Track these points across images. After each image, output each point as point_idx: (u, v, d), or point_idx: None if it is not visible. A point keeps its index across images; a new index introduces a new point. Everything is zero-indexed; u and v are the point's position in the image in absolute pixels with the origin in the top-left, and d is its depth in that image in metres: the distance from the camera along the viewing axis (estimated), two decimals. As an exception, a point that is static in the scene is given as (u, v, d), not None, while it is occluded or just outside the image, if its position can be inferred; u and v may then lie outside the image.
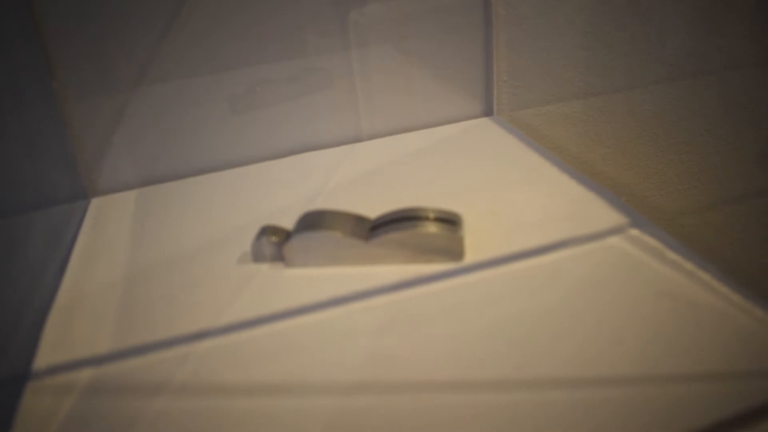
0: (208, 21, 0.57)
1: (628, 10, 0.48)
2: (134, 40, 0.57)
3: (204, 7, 0.57)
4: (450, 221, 0.44)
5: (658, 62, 0.46)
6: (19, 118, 0.54)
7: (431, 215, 0.44)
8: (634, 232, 0.46)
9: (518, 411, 0.32)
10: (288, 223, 0.48)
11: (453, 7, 0.62)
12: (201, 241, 0.51)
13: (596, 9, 0.52)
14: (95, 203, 0.61)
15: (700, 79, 0.43)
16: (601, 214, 0.48)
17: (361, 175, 0.59)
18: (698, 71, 0.43)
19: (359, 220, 0.45)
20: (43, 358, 0.41)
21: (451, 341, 0.38)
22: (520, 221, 0.49)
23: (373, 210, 0.47)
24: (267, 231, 0.46)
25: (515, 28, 0.62)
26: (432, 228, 0.43)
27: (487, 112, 0.67)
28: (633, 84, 0.50)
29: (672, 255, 0.43)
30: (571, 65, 0.57)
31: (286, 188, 0.58)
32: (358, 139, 0.65)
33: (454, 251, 0.44)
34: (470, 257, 0.44)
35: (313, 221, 0.45)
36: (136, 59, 0.58)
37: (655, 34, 0.46)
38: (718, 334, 0.36)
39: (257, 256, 0.46)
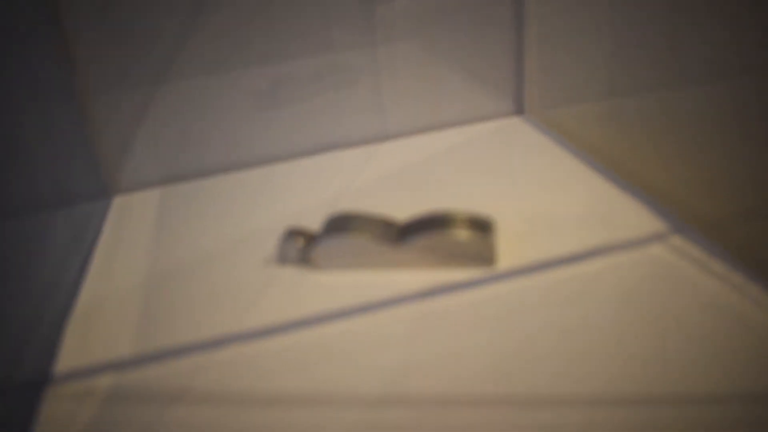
0: (231, 17, 0.56)
1: (666, 6, 0.46)
2: (156, 37, 0.56)
3: (230, 3, 0.55)
4: (481, 226, 0.42)
5: (699, 60, 0.44)
6: (41, 116, 0.53)
7: (462, 219, 0.42)
8: (676, 239, 0.44)
9: (555, 430, 0.31)
10: (313, 224, 0.46)
11: (483, 1, 0.60)
12: (225, 242, 0.50)
13: (632, 6, 0.50)
14: (117, 201, 0.60)
15: (744, 78, 0.40)
16: (640, 219, 0.46)
17: (388, 176, 0.57)
18: (742, 69, 0.40)
19: (387, 223, 0.44)
20: (64, 363, 0.40)
21: (483, 353, 0.36)
22: (554, 226, 0.47)
23: (400, 212, 0.45)
24: (293, 233, 0.45)
25: (548, 23, 0.60)
26: (463, 233, 0.41)
27: (518, 111, 0.65)
28: (672, 82, 0.47)
29: (717, 266, 0.41)
30: (606, 62, 0.55)
31: (311, 188, 0.57)
32: (384, 138, 0.63)
33: (486, 257, 0.42)
34: (502, 263, 0.43)
35: (340, 224, 0.44)
36: (158, 56, 0.57)
37: (695, 30, 0.44)
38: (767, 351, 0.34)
39: (283, 259, 0.45)
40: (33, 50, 0.54)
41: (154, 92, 0.58)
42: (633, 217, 0.47)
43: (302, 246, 0.44)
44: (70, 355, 0.41)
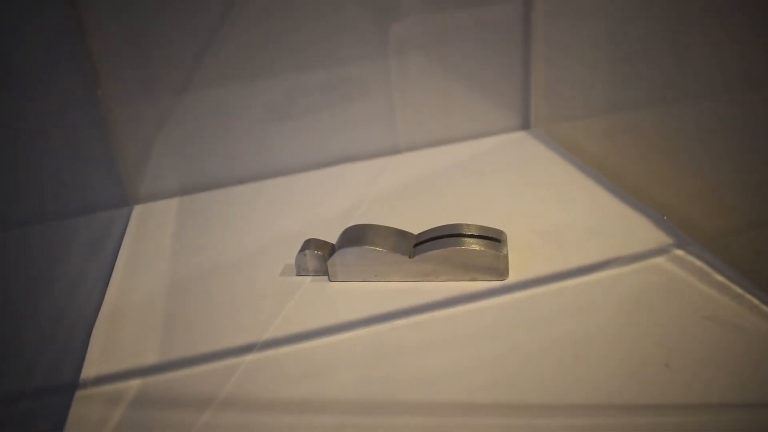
0: (251, 30, 0.58)
1: (671, 22, 0.47)
2: (178, 49, 0.58)
3: (248, 16, 0.57)
4: (494, 239, 0.44)
5: (702, 74, 0.46)
6: (64, 124, 0.55)
7: (475, 232, 0.44)
8: (679, 252, 0.45)
9: (568, 435, 0.32)
10: (328, 235, 0.48)
11: (492, 21, 0.62)
12: (243, 252, 0.52)
13: (638, 22, 0.52)
14: (138, 210, 0.62)
15: (748, 93, 0.42)
16: (645, 232, 0.48)
17: (400, 188, 0.59)
18: (746, 84, 0.42)
19: (402, 235, 0.46)
20: (91, 368, 0.42)
21: (497, 362, 0.38)
22: (562, 239, 0.48)
23: (413, 224, 0.47)
24: (311, 244, 0.47)
25: (554, 42, 0.62)
26: (476, 245, 0.43)
27: (525, 126, 0.67)
28: (674, 97, 0.49)
29: (719, 277, 0.42)
30: (610, 78, 0.57)
31: (326, 199, 0.58)
32: (395, 151, 0.65)
33: (499, 269, 0.44)
34: (513, 275, 0.44)
35: (356, 236, 0.45)
36: (179, 67, 0.58)
37: (698, 45, 0.46)
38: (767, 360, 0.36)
39: (301, 269, 0.47)
40: (58, 60, 0.55)
41: (174, 103, 0.59)
42: (637, 230, 0.49)
43: (319, 257, 0.46)
44: (97, 361, 0.42)
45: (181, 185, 0.63)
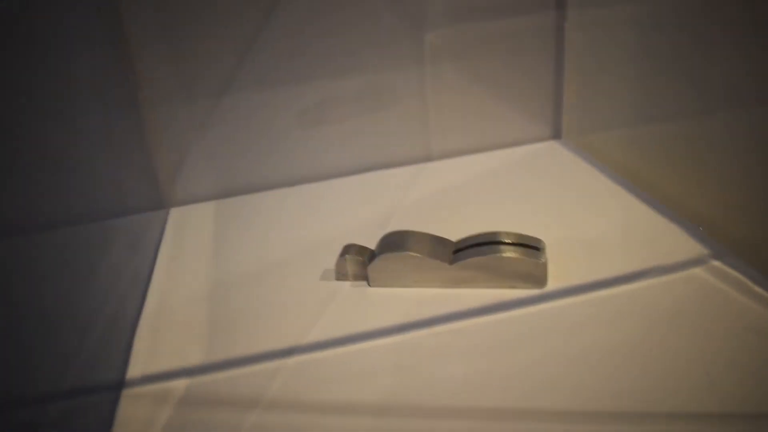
0: (289, 36, 0.59)
1: (704, 33, 0.48)
2: (216, 54, 0.59)
3: (286, 22, 0.58)
4: (533, 247, 0.45)
5: (736, 85, 0.46)
6: (103, 126, 0.56)
7: (514, 240, 0.45)
8: (716, 263, 0.46)
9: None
10: (364, 240, 0.49)
11: (525, 31, 0.62)
12: (281, 256, 0.53)
13: (668, 33, 0.52)
14: (174, 213, 0.63)
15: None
16: (681, 243, 0.48)
17: (435, 195, 0.60)
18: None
19: (441, 242, 0.46)
20: (137, 367, 0.43)
21: (536, 370, 0.38)
22: (598, 248, 0.49)
23: (448, 231, 0.48)
24: (351, 250, 0.47)
25: (585, 53, 0.63)
26: (516, 253, 0.44)
27: (556, 135, 0.68)
28: (707, 108, 0.50)
29: (757, 288, 0.43)
30: (641, 89, 0.57)
31: (361, 205, 0.59)
32: (428, 159, 0.66)
33: (538, 277, 0.44)
34: (552, 284, 0.45)
35: (396, 242, 0.46)
36: (216, 72, 0.59)
37: (729, 57, 0.46)
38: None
39: (340, 274, 0.48)
40: (98, 62, 0.57)
41: (211, 107, 0.60)
42: (672, 240, 0.49)
43: (359, 262, 0.47)
44: (142, 360, 0.43)
45: (217, 189, 0.64)
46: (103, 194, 0.56)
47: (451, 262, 0.45)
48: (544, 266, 0.44)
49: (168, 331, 0.46)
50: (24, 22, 0.44)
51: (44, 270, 0.43)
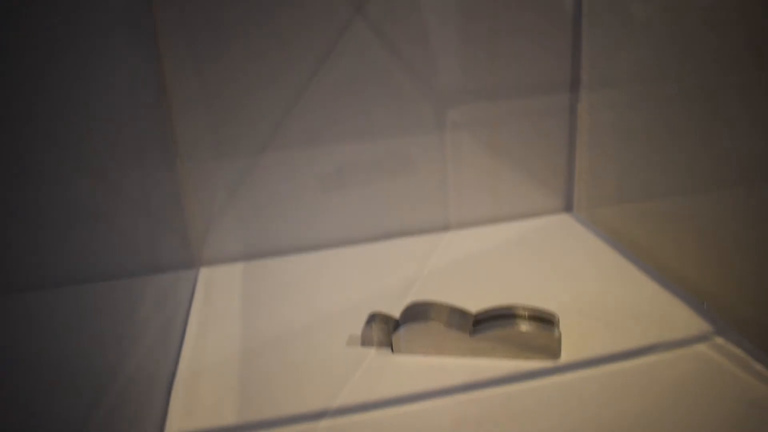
0: (321, 104, 0.63)
1: (707, 113, 0.52)
2: (250, 119, 0.63)
3: (320, 90, 0.62)
4: (547, 321, 0.48)
5: (739, 164, 0.50)
6: (140, 184, 0.59)
7: (530, 314, 0.48)
8: (720, 340, 0.49)
9: None
10: (387, 307, 0.52)
11: (541, 110, 0.67)
12: (308, 321, 0.56)
13: (675, 115, 0.56)
14: (204, 272, 0.66)
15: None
16: (686, 319, 0.52)
17: (453, 265, 0.63)
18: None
19: (462, 313, 0.50)
20: (174, 425, 0.45)
21: (553, 438, 0.41)
22: (608, 322, 0.52)
23: (467, 300, 0.51)
24: (376, 318, 0.50)
25: (597, 131, 0.67)
26: (532, 327, 0.47)
27: (567, 208, 0.72)
28: (712, 186, 0.53)
29: (758, 366, 0.46)
30: (649, 166, 0.61)
31: (384, 272, 0.63)
32: (446, 228, 0.69)
33: (552, 350, 0.47)
34: (565, 356, 0.48)
35: (420, 312, 0.49)
36: (251, 136, 0.63)
37: (734, 136, 0.50)
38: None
39: (366, 341, 0.51)
40: (141, 124, 0.60)
41: (244, 169, 0.64)
42: (679, 316, 0.52)
43: (384, 330, 0.50)
44: (179, 418, 0.46)
45: (245, 250, 0.67)
46: (137, 251, 0.59)
47: (471, 333, 0.48)
48: (558, 340, 0.47)
49: (203, 390, 0.48)
50: (74, 82, 0.48)
51: (76, 325, 0.46)
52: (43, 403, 0.35)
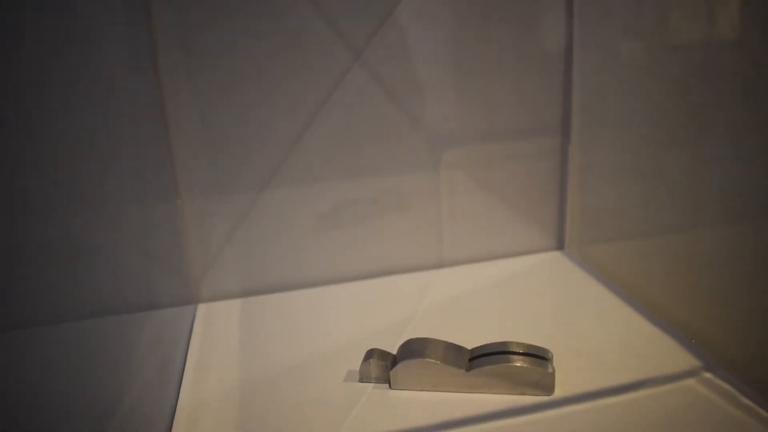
0: (320, 142, 0.65)
1: (693, 154, 0.54)
2: (250, 155, 0.64)
3: (320, 129, 0.64)
4: (541, 357, 0.49)
5: (727, 204, 0.52)
6: (139, 219, 0.60)
7: (524, 350, 0.49)
8: (708, 375, 0.50)
9: None
10: (383, 344, 0.53)
11: (534, 152, 0.69)
12: (305, 356, 0.57)
13: (663, 156, 0.58)
14: (202, 309, 0.67)
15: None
16: (675, 355, 0.53)
17: (448, 302, 0.64)
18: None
19: (458, 349, 0.51)
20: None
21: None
22: (599, 358, 0.53)
23: (461, 337, 0.52)
24: (374, 354, 0.52)
25: (588, 172, 0.69)
26: (527, 363, 0.48)
27: (559, 246, 0.73)
28: (700, 224, 0.55)
29: (745, 400, 0.47)
30: (638, 206, 0.63)
31: (379, 309, 0.64)
32: (440, 266, 0.71)
33: (546, 385, 0.48)
34: (558, 391, 0.49)
35: (417, 348, 0.50)
36: (251, 173, 0.65)
37: (721, 176, 0.52)
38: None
39: (364, 377, 0.52)
40: (140, 162, 0.61)
41: (242, 205, 0.66)
42: (668, 352, 0.53)
43: (382, 366, 0.51)
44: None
45: (242, 287, 0.68)
46: (134, 288, 0.60)
47: (467, 369, 0.49)
48: (552, 375, 0.48)
49: (203, 426, 0.49)
50: (73, 116, 0.49)
51: (73, 361, 0.47)
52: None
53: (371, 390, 0.51)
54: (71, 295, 0.50)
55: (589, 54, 0.66)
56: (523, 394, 0.49)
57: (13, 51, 0.42)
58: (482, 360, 0.49)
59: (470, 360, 0.50)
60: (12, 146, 0.44)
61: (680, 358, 0.53)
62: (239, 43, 0.61)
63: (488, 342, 0.51)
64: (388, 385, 0.51)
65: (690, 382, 0.50)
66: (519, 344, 0.50)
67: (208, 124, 0.63)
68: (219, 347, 0.60)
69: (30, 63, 0.44)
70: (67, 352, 0.47)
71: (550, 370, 0.48)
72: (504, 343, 0.50)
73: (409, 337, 0.52)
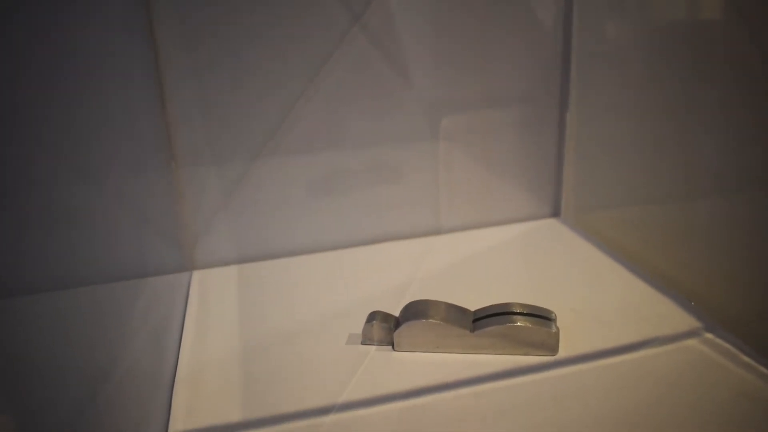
0: (317, 112, 0.64)
1: (692, 121, 0.54)
2: (247, 123, 0.63)
3: (318, 91, 0.63)
4: (545, 317, 0.49)
5: (721, 171, 0.52)
6: (132, 187, 0.59)
7: (528, 311, 0.49)
8: (709, 335, 0.51)
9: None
10: (385, 307, 0.53)
11: (531, 120, 0.69)
12: (306, 321, 0.56)
13: (659, 123, 0.58)
14: (197, 276, 0.66)
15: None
16: (676, 316, 0.53)
17: (446, 267, 0.64)
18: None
19: (461, 311, 0.51)
20: (177, 424, 0.45)
21: (551, 429, 0.42)
22: (600, 320, 0.53)
23: (464, 300, 0.52)
24: (377, 316, 0.51)
25: (585, 140, 0.69)
26: (531, 323, 0.48)
27: (555, 214, 0.73)
28: (696, 192, 0.55)
29: (745, 358, 0.48)
30: (635, 173, 0.63)
31: (378, 275, 0.63)
32: (437, 232, 0.71)
33: (550, 345, 0.48)
34: (562, 352, 0.49)
35: (420, 310, 0.50)
36: (246, 140, 0.64)
37: (714, 145, 0.52)
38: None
39: (366, 339, 0.51)
40: (136, 131, 0.60)
41: (237, 172, 0.65)
42: (667, 314, 0.54)
43: (385, 328, 0.51)
44: (182, 418, 0.46)
45: (238, 253, 0.68)
46: (130, 255, 0.59)
47: (471, 330, 0.49)
48: (556, 335, 0.48)
49: (204, 389, 0.48)
50: (72, 88, 0.48)
51: (72, 327, 0.46)
52: (38, 402, 0.35)
53: (374, 352, 0.51)
54: (67, 263, 0.49)
55: (587, 23, 0.66)
56: (527, 354, 0.49)
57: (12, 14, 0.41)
58: (486, 321, 0.49)
59: (474, 321, 0.50)
60: (3, 114, 0.43)
61: (681, 319, 0.53)
62: (237, 9, 0.60)
63: (491, 303, 0.51)
64: (391, 347, 0.51)
65: (692, 342, 0.50)
66: (522, 305, 0.50)
67: (204, 93, 0.62)
68: (217, 312, 0.59)
69: (28, 24, 0.43)
70: (61, 318, 0.46)
71: (554, 330, 0.48)
72: (507, 305, 0.50)
73: (409, 301, 0.52)
